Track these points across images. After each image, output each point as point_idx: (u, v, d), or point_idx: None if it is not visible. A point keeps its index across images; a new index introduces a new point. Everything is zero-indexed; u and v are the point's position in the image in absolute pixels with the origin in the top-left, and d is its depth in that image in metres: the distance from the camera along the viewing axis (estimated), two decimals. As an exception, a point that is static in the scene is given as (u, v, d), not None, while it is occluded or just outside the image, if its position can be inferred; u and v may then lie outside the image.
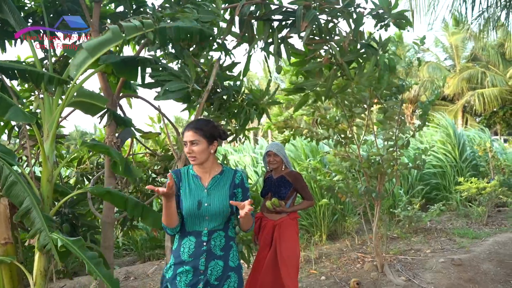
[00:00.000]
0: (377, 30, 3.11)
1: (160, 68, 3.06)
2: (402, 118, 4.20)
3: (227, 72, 3.35)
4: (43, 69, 2.83)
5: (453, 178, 8.29)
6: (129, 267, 5.80)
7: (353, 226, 6.63)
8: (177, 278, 2.07)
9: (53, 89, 2.60)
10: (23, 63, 3.49)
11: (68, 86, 2.66)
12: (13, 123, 3.64)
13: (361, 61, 3.22)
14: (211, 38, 2.77)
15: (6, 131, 3.62)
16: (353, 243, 6.11)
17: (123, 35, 2.49)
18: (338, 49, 3.02)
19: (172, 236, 2.32)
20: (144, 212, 2.96)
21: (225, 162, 3.80)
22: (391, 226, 6.63)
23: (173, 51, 3.07)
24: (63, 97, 2.71)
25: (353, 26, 3.01)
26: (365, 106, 4.37)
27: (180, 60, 3.17)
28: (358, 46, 3.12)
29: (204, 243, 2.07)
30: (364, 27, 3.59)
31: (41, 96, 2.68)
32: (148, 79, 3.17)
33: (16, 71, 2.61)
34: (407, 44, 21.10)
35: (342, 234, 6.65)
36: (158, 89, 3.16)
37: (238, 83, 3.34)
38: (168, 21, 2.76)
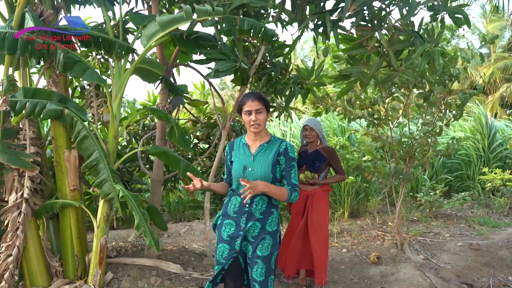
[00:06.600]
0: (431, 23, 3.01)
1: (213, 45, 3.23)
2: (445, 106, 4.25)
3: (278, 50, 3.50)
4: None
5: (478, 169, 8.33)
6: (162, 225, 6.21)
7: (375, 206, 6.86)
8: (223, 227, 2.41)
9: (123, 56, 2.86)
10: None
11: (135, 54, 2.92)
12: (75, 84, 3.96)
13: (411, 49, 3.12)
14: (272, 38, 2.87)
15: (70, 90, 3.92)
16: (373, 222, 6.35)
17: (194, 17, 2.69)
18: (386, 37, 2.99)
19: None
20: (194, 173, 3.23)
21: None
22: (412, 209, 6.82)
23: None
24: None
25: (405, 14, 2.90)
26: (404, 90, 4.43)
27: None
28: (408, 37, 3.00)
29: (247, 205, 2.34)
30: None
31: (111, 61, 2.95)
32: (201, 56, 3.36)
33: (90, 38, 2.86)
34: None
35: (364, 213, 6.90)
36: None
37: (286, 61, 3.51)
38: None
